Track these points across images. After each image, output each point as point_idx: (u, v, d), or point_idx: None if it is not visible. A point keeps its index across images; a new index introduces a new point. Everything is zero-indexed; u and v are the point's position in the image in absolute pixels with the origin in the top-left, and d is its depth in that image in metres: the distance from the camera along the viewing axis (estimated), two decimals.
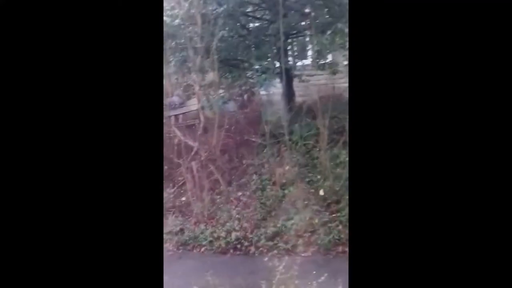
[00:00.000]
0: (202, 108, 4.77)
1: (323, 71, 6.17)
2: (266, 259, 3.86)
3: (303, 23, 5.84)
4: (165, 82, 4.73)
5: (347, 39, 5.90)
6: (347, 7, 5.02)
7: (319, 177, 4.56)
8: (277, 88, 5.82)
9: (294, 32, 5.79)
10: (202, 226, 4.40)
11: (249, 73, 5.65)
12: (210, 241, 4.26)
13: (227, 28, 5.16)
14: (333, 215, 4.18)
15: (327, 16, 5.49)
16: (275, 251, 3.97)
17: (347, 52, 7.11)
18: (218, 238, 4.25)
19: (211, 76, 5.14)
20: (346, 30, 4.69)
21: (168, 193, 4.85)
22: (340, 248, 3.85)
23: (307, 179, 4.60)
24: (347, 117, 4.72)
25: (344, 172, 4.40)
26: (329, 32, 5.10)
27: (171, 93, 5.51)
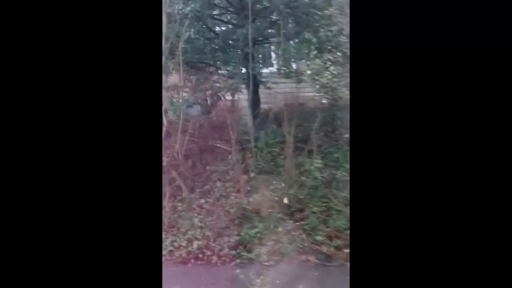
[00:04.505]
0: (166, 111, 4.58)
1: (288, 80, 6.22)
2: (228, 268, 3.80)
3: (270, 30, 5.86)
4: None
5: (312, 48, 6.03)
6: (315, 16, 5.17)
7: (283, 184, 4.53)
8: (242, 94, 5.76)
9: (261, 38, 5.78)
10: (162, 235, 4.20)
11: (215, 77, 5.55)
12: (170, 251, 4.07)
13: (193, 30, 5.03)
14: (297, 223, 4.17)
15: (294, 25, 5.55)
16: (238, 261, 3.88)
17: (311, 62, 7.31)
18: (178, 247, 4.07)
19: (175, 78, 4.97)
20: (313, 39, 4.74)
21: None
22: (303, 257, 3.84)
23: (272, 187, 4.56)
24: (312, 125, 4.82)
25: (309, 181, 4.42)
26: (295, 40, 5.14)
27: None
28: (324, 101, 8.00)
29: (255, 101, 5.54)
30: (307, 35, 4.75)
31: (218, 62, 5.15)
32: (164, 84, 4.75)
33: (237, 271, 3.74)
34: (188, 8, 4.68)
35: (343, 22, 4.83)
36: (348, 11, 4.49)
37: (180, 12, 4.84)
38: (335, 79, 7.93)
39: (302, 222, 4.16)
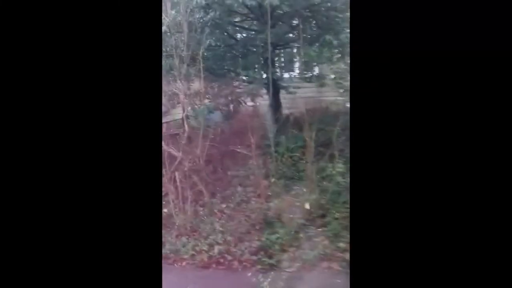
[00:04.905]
0: (187, 117, 4.66)
1: (310, 84, 6.17)
2: (249, 274, 3.78)
3: (291, 34, 5.85)
4: None
5: (335, 51, 5.96)
6: (335, 19, 5.12)
7: (305, 190, 4.48)
8: (264, 99, 5.77)
9: (282, 43, 5.79)
10: (184, 239, 4.24)
11: (235, 83, 5.60)
12: (192, 255, 4.10)
13: (214, 38, 5.10)
14: (319, 229, 4.10)
15: (315, 29, 5.51)
16: (259, 266, 3.85)
17: (334, 65, 7.23)
18: (200, 251, 4.09)
19: (196, 85, 5.05)
20: (334, 42, 4.68)
21: None
22: (325, 264, 3.75)
23: (293, 192, 4.51)
24: (334, 129, 4.74)
25: (331, 186, 4.34)
26: (316, 44, 5.10)
27: None
28: (348, 105, 7.89)
29: (276, 106, 5.54)
30: (328, 38, 4.69)
31: (239, 69, 5.18)
32: (186, 91, 4.84)
33: (258, 276, 3.72)
34: (208, 16, 4.75)
35: None
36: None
37: (201, 20, 4.93)
38: None
39: (324, 228, 4.07)
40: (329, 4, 5.07)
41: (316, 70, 6.63)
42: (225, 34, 5.52)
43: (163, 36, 4.67)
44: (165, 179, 4.43)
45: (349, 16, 5.01)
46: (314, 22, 5.42)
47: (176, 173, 4.50)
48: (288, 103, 5.86)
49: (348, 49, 5.44)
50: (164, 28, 4.64)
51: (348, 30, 4.85)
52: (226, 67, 5.75)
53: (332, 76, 7.67)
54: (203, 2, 4.56)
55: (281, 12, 5.33)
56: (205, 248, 4.09)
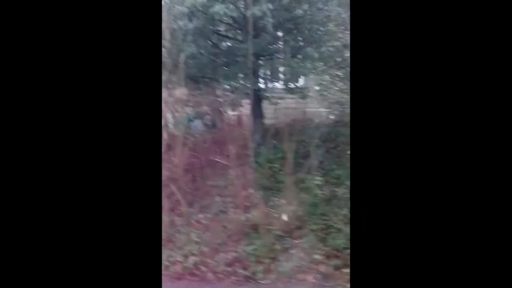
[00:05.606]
0: (166, 125, 4.61)
1: (293, 95, 6.19)
2: (223, 286, 3.72)
3: (275, 45, 5.89)
4: None
5: (317, 64, 6.01)
6: (317, 32, 5.17)
7: (283, 201, 4.46)
8: (246, 109, 5.77)
9: (266, 54, 5.81)
10: None
11: (218, 92, 5.58)
12: (166, 266, 4.02)
13: (197, 45, 5.09)
14: (295, 241, 4.08)
15: (300, 39, 5.56)
16: (234, 278, 3.81)
17: (318, 77, 7.28)
18: (174, 262, 4.03)
19: (178, 92, 5.02)
20: (315, 55, 4.73)
21: None
22: (300, 276, 3.73)
23: (271, 203, 4.49)
24: (315, 141, 4.76)
25: (308, 197, 4.34)
26: (299, 56, 5.13)
27: None
28: (332, 116, 7.94)
29: (258, 117, 5.53)
30: (309, 50, 4.74)
31: (221, 78, 5.18)
32: (167, 99, 4.80)
33: None
34: (192, 25, 4.75)
35: (347, 38, 4.81)
36: None
37: (184, 27, 4.92)
38: (344, 95, 7.88)
39: (301, 240, 4.06)
40: (311, 17, 5.12)
41: (301, 82, 6.68)
42: (209, 42, 5.52)
43: None
44: None
45: (330, 29, 5.09)
46: (296, 34, 5.47)
47: None
48: (271, 114, 5.87)
49: (331, 63, 5.52)
50: None
51: (329, 44, 4.91)
52: (209, 76, 5.73)
53: (317, 88, 7.76)
54: (186, 10, 4.56)
55: (265, 23, 5.35)
56: (180, 258, 4.02)
